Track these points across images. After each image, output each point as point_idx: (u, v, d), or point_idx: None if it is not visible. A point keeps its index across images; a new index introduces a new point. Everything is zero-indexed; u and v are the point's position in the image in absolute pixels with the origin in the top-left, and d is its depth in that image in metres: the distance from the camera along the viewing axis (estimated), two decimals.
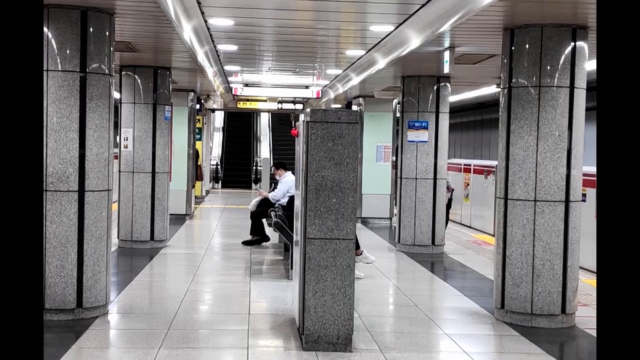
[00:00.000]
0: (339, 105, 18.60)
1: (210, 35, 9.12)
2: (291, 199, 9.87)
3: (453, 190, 12.08)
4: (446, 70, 8.27)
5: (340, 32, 9.08)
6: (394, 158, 14.43)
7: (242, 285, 8.18)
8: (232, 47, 10.32)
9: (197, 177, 17.25)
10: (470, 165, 15.47)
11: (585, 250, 7.18)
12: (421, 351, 5.78)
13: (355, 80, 12.67)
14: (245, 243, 11.28)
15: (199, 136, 18.18)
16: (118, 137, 10.75)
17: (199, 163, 17.57)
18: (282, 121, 27.81)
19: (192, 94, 15.26)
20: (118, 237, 10.69)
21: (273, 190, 11.54)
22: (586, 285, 8.18)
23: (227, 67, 13.13)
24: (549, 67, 6.47)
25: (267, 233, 11.27)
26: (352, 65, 11.88)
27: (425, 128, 10.82)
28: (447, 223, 11.55)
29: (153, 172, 10.65)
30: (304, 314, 5.62)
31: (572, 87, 6.50)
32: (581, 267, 7.54)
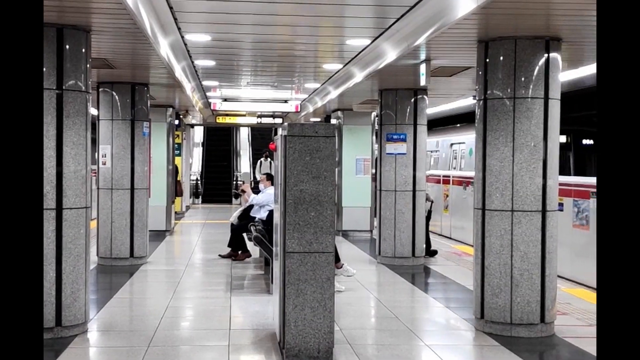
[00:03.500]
0: (318, 119, 18.65)
1: (188, 50, 9.13)
2: (271, 213, 9.86)
3: (432, 202, 12.14)
4: (422, 83, 8.33)
5: (318, 47, 9.13)
6: (374, 171, 14.47)
7: (222, 300, 8.16)
8: (210, 62, 10.34)
9: (177, 192, 17.18)
10: (449, 176, 15.57)
11: (562, 258, 7.25)
12: None
13: (334, 93, 12.73)
14: (223, 256, 11.30)
15: (178, 152, 18.12)
16: (96, 154, 10.70)
17: (178, 179, 17.50)
18: (262, 135, 27.85)
19: (171, 109, 15.24)
20: (97, 255, 10.61)
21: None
22: (565, 294, 8.25)
23: (205, 82, 13.14)
24: (523, 79, 6.54)
25: (249, 248, 11.26)
26: (330, 79, 11.94)
27: (404, 140, 10.88)
28: (427, 235, 11.57)
29: (132, 189, 10.60)
30: (285, 328, 5.62)
31: (546, 98, 6.57)
32: (559, 276, 7.60)
